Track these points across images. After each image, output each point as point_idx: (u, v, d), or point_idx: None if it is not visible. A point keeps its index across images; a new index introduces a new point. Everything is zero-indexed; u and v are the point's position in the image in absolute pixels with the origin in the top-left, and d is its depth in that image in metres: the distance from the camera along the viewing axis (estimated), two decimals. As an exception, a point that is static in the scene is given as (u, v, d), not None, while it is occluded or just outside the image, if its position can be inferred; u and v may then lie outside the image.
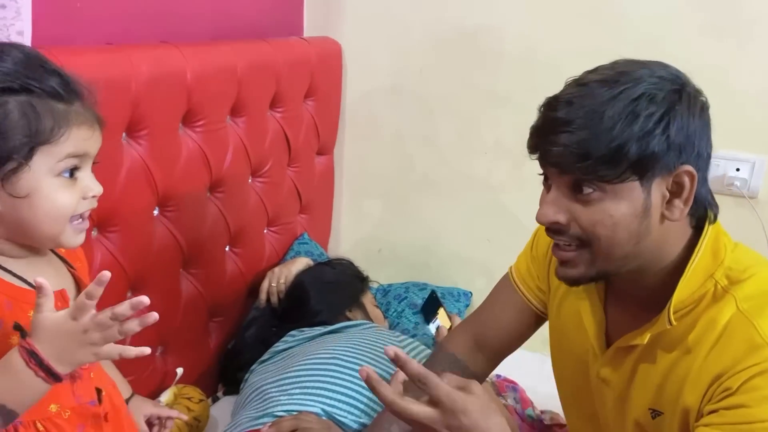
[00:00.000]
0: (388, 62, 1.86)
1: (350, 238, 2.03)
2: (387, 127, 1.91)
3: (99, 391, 0.81)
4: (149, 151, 1.21)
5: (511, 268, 1.11)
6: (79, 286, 0.82)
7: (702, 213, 0.84)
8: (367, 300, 1.54)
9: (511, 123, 1.77)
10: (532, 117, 1.86)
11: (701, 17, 1.55)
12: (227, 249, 1.52)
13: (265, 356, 1.32)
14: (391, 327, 1.64)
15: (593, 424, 1.00)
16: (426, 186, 1.91)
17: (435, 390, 0.77)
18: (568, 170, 0.79)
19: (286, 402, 1.10)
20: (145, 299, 0.67)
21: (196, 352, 1.45)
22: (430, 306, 1.69)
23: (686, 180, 0.79)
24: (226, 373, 1.48)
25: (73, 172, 0.74)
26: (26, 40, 1.04)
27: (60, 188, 0.72)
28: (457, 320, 1.64)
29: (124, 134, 1.18)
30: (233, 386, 1.43)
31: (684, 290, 0.82)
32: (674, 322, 0.82)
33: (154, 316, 0.68)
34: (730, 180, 1.51)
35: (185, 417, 1.07)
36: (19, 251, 0.75)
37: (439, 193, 1.90)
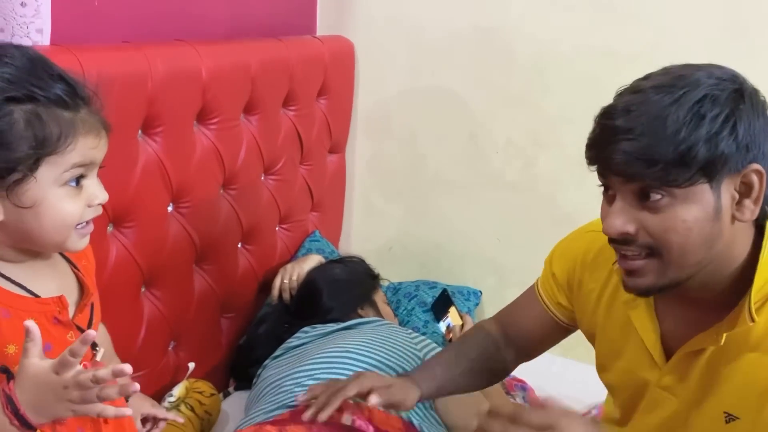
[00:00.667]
0: (401, 61, 1.86)
1: (361, 236, 2.03)
2: (399, 126, 1.92)
3: None
4: (164, 148, 1.23)
5: (536, 283, 1.10)
6: (82, 286, 0.81)
7: (764, 211, 0.82)
8: (379, 298, 1.55)
9: (523, 122, 1.78)
10: (543, 116, 1.87)
11: (714, 18, 1.54)
12: (239, 246, 1.53)
13: (279, 352, 1.33)
14: (401, 325, 1.65)
15: None
16: (437, 184, 1.91)
17: (531, 418, 0.79)
18: (634, 178, 0.77)
19: (299, 392, 1.11)
20: (127, 368, 0.65)
21: (208, 347, 1.47)
22: (441, 304, 1.70)
23: (755, 179, 0.77)
24: (237, 369, 1.49)
25: (78, 180, 0.73)
26: (45, 38, 1.06)
27: (65, 197, 0.71)
28: (468, 319, 1.65)
29: (139, 131, 1.19)
30: (244, 381, 1.44)
31: (762, 278, 0.80)
32: (756, 318, 0.79)
33: (136, 387, 0.66)
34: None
35: (181, 419, 1.05)
36: (20, 256, 0.74)
37: (451, 192, 1.90)
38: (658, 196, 0.77)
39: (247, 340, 1.52)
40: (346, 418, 1.04)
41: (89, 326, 0.79)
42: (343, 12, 1.87)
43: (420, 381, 1.03)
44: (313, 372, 1.17)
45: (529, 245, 1.79)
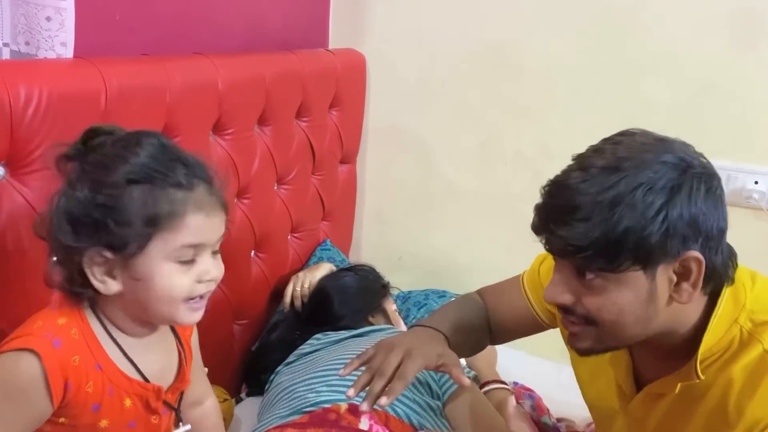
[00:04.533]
0: (411, 74, 1.90)
1: (372, 245, 2.06)
2: (409, 137, 1.95)
3: None
4: (181, 158, 1.26)
5: (523, 277, 1.13)
6: (182, 363, 0.84)
7: (718, 281, 0.82)
8: (389, 306, 1.57)
9: (531, 134, 1.81)
10: (551, 128, 1.89)
11: (722, 31, 1.57)
12: (252, 254, 1.56)
13: (291, 358, 1.36)
14: (411, 333, 1.67)
15: None
16: (447, 195, 1.94)
17: None
18: (568, 259, 0.79)
19: (314, 398, 1.14)
20: None
21: (221, 353, 1.49)
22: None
23: (693, 265, 0.77)
24: (249, 375, 1.52)
25: (189, 260, 0.74)
26: (69, 51, 1.09)
27: (176, 272, 0.73)
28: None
29: (158, 141, 1.23)
30: (256, 387, 1.46)
31: (709, 340, 0.82)
32: (702, 376, 0.82)
33: None
34: (749, 193, 1.52)
35: None
36: (137, 329, 0.77)
37: (460, 202, 1.93)
38: (592, 276, 0.79)
39: (259, 346, 1.55)
40: (364, 423, 1.06)
41: (178, 405, 0.82)
42: (355, 26, 1.91)
43: (446, 331, 1.05)
44: (326, 378, 1.19)
45: (536, 255, 1.82)
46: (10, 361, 0.68)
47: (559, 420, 1.45)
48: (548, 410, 1.48)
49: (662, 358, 0.88)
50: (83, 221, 0.69)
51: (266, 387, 1.36)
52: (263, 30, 1.59)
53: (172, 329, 0.84)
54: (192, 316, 0.76)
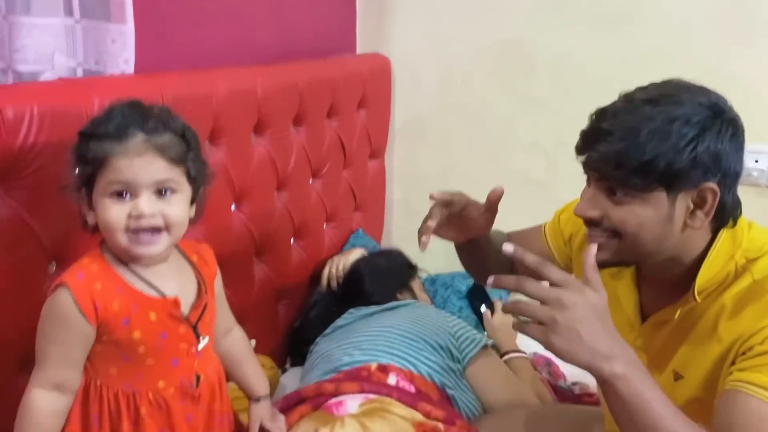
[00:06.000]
0: (433, 73, 2.05)
1: (401, 233, 2.22)
2: (433, 132, 2.10)
3: (198, 377, 0.96)
4: (227, 156, 1.44)
5: (544, 227, 1.27)
6: (200, 290, 0.99)
7: (724, 219, 0.94)
8: (416, 285, 1.73)
9: (546, 125, 1.94)
10: (564, 119, 2.02)
11: (728, 23, 1.66)
12: (292, 241, 1.74)
13: (328, 330, 1.53)
14: (438, 311, 1.82)
15: None
16: (469, 184, 2.06)
17: (551, 272, 0.84)
18: (604, 176, 0.92)
19: (348, 360, 1.30)
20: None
21: (267, 330, 1.67)
22: (474, 292, 1.86)
23: (709, 196, 0.89)
24: (292, 348, 1.69)
25: (121, 194, 0.86)
26: (130, 68, 1.28)
27: (110, 206, 0.86)
28: (499, 305, 1.81)
29: (207, 142, 1.41)
30: (299, 358, 1.63)
31: (707, 273, 0.94)
32: (698, 299, 0.94)
33: None
34: (749, 171, 1.63)
35: (283, 423, 1.12)
36: (145, 260, 0.91)
37: (481, 191, 2.04)
38: (621, 194, 0.91)
39: (300, 323, 1.72)
40: (391, 379, 1.22)
41: (198, 320, 0.96)
42: (380, 32, 2.08)
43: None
44: (359, 342, 1.36)
45: None
46: (51, 299, 0.88)
47: (573, 384, 1.58)
48: (564, 376, 1.61)
49: (665, 290, 1.00)
50: (71, 171, 0.89)
51: (307, 357, 1.53)
52: (296, 40, 1.76)
53: (191, 264, 0.99)
54: (138, 248, 0.87)
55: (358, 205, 2.01)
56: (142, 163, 0.86)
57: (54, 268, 1.08)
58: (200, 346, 0.96)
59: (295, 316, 1.75)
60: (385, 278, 1.66)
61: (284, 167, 1.63)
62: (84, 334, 0.87)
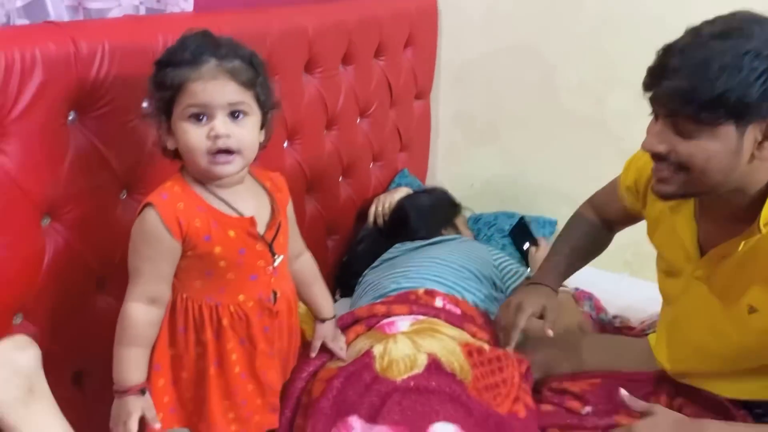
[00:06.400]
0: (480, 13, 2.04)
1: (446, 173, 2.26)
2: (478, 73, 2.10)
3: (275, 293, 1.03)
4: (280, 94, 1.45)
5: (619, 175, 1.32)
6: (274, 212, 1.05)
7: None
8: (460, 222, 1.78)
9: (593, 63, 1.93)
10: (612, 57, 2.00)
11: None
12: (341, 179, 1.80)
13: (376, 263, 1.59)
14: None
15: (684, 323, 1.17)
16: (514, 125, 2.10)
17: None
18: (672, 111, 0.94)
19: (395, 287, 1.37)
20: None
21: (318, 263, 1.73)
22: (518, 230, 1.90)
23: None
24: (341, 281, 1.77)
25: (198, 117, 0.91)
26: (189, 6, 1.33)
27: (189, 129, 0.92)
28: (543, 242, 1.85)
29: (260, 80, 1.46)
30: (347, 290, 1.71)
31: None
32: (764, 231, 0.96)
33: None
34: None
35: (344, 355, 1.18)
36: (223, 181, 0.97)
37: (527, 131, 2.08)
38: (690, 128, 0.93)
39: (348, 257, 1.79)
40: (438, 302, 1.29)
41: (273, 239, 1.03)
42: (426, -30, 2.07)
43: (554, 285, 1.32)
44: (406, 272, 1.42)
45: (600, 176, 1.93)
46: (139, 219, 0.95)
47: (614, 317, 1.62)
48: (605, 309, 1.65)
49: (727, 223, 1.02)
50: (151, 98, 0.96)
51: (355, 289, 1.60)
52: (344, -21, 1.78)
53: (264, 188, 1.06)
54: (217, 168, 0.93)
55: (404, 145, 2.05)
56: (216, 86, 0.91)
57: (125, 195, 1.16)
58: (276, 263, 1.03)
59: (343, 251, 1.82)
60: (429, 215, 1.71)
61: (333, 106, 1.67)
62: (171, 250, 0.95)
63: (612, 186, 1.35)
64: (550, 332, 1.23)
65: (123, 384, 0.96)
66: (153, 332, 0.98)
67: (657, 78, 0.95)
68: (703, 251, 1.10)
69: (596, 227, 1.40)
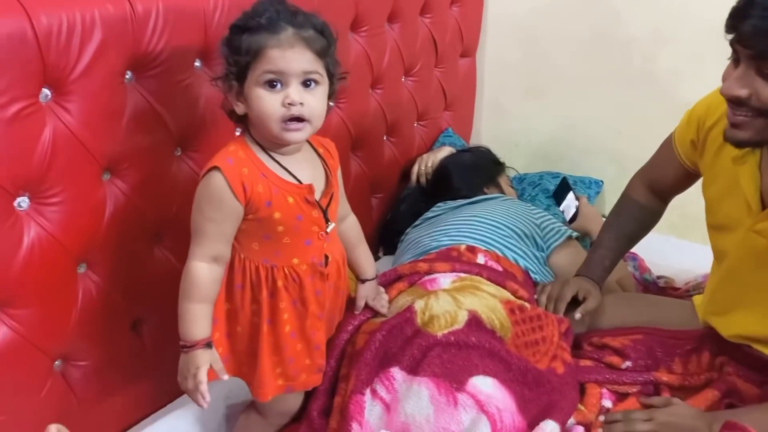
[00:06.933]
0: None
1: (490, 133, 2.25)
2: (524, 28, 2.07)
3: (326, 257, 1.06)
4: (326, 53, 1.50)
5: (673, 133, 1.29)
6: (328, 178, 1.08)
7: None
8: (503, 181, 1.78)
9: (645, 20, 1.87)
10: (664, 13, 1.94)
11: None
12: (385, 138, 1.82)
13: (418, 222, 1.62)
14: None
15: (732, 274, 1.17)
16: (561, 83, 2.07)
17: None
18: (757, 50, 0.91)
19: (435, 245, 1.40)
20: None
21: (362, 221, 1.74)
22: (562, 191, 1.89)
23: None
24: (384, 238, 1.81)
25: (274, 83, 0.94)
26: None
27: (264, 95, 0.94)
28: (584, 200, 1.84)
29: (307, 39, 1.47)
30: (390, 248, 1.75)
31: None
32: None
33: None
34: None
35: (386, 312, 1.22)
36: (278, 146, 1.01)
37: (573, 89, 2.05)
38: None
39: (392, 216, 1.82)
40: (480, 258, 1.31)
41: (327, 207, 1.06)
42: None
43: (599, 280, 1.33)
44: (446, 230, 1.44)
45: (649, 136, 1.88)
46: (205, 181, 0.99)
47: (659, 277, 1.62)
48: (649, 269, 1.65)
49: None
50: (224, 61, 0.97)
51: (398, 247, 1.64)
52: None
53: (319, 155, 1.09)
54: (289, 135, 0.96)
55: (449, 104, 2.05)
56: (293, 54, 0.94)
57: (179, 152, 1.21)
58: (328, 229, 1.07)
59: (387, 210, 1.85)
60: (472, 173, 1.72)
61: (378, 65, 1.68)
62: (234, 212, 0.99)
63: (665, 147, 1.32)
64: (579, 315, 1.25)
65: (190, 338, 1.00)
66: (216, 289, 1.02)
67: (741, 17, 0.92)
68: (765, 204, 1.09)
69: (645, 208, 1.38)
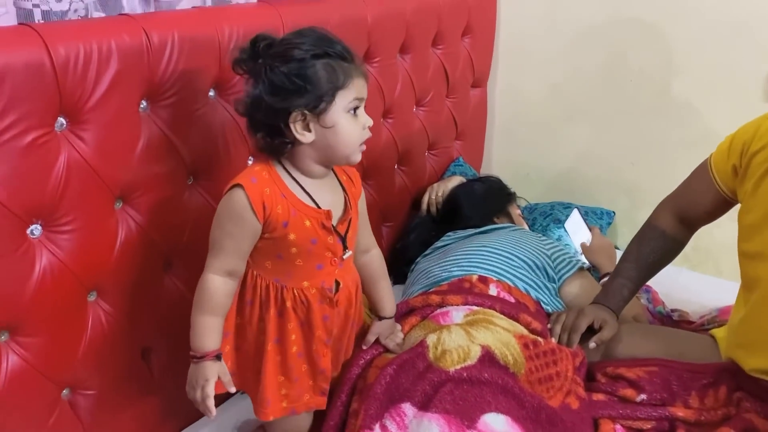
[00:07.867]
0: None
1: (501, 162, 2.25)
2: (536, 60, 2.08)
3: (338, 283, 1.07)
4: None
5: (710, 156, 1.27)
6: (347, 205, 1.09)
7: None
8: (514, 211, 1.77)
9: (656, 51, 1.88)
10: (675, 45, 1.94)
11: None
12: (396, 167, 1.82)
13: (428, 251, 1.61)
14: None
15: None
16: (572, 113, 2.07)
17: None
18: None
19: (446, 276, 1.38)
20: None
21: (372, 249, 1.77)
22: (574, 221, 1.88)
23: None
24: (394, 267, 1.77)
25: (355, 110, 1.00)
26: (253, -2, 1.37)
27: (350, 121, 0.99)
28: (598, 231, 1.83)
29: (320, 69, 1.49)
30: (400, 278, 1.73)
31: None
32: None
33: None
34: None
35: (399, 351, 1.19)
36: (315, 171, 1.03)
37: (585, 120, 2.05)
38: None
39: (401, 244, 1.81)
40: (492, 290, 1.30)
41: (346, 234, 1.07)
42: (485, -43, 2.05)
43: (617, 310, 1.31)
44: (457, 260, 1.43)
45: (662, 168, 1.91)
46: (227, 197, 1.00)
47: (673, 310, 1.60)
48: (663, 302, 1.62)
49: None
50: (286, 89, 0.96)
51: (408, 276, 1.62)
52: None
53: (339, 183, 1.09)
54: (358, 156, 1.03)
55: (459, 133, 2.05)
56: (366, 82, 1.02)
57: (192, 181, 1.21)
58: (345, 256, 1.07)
59: (396, 238, 1.84)
60: (482, 203, 1.72)
61: (390, 94, 1.69)
62: (253, 230, 1.00)
63: (700, 173, 1.28)
64: (593, 344, 1.25)
65: (200, 349, 1.01)
66: (228, 302, 1.03)
67: None
68: None
69: (670, 238, 1.34)
